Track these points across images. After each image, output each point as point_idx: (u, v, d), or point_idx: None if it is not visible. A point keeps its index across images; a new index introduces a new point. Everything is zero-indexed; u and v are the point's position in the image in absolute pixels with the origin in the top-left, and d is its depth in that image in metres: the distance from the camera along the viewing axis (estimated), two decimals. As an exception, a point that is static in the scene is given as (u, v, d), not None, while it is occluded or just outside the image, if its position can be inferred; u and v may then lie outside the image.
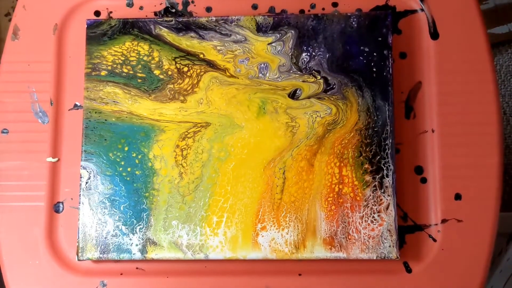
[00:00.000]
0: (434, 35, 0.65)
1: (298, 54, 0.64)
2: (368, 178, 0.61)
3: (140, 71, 0.64)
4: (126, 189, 0.62)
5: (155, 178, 0.62)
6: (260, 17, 0.65)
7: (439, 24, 0.65)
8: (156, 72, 0.64)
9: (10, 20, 1.22)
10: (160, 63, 0.64)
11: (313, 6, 0.67)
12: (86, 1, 0.68)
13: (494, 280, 1.06)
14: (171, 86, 0.64)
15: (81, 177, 0.63)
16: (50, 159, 0.65)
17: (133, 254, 0.61)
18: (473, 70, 0.64)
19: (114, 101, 0.64)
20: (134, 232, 0.61)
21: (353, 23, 0.64)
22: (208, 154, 0.62)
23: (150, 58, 0.64)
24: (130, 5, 0.68)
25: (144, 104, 0.64)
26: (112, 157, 0.63)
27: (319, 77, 0.63)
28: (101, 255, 0.61)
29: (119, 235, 0.61)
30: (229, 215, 0.61)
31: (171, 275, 0.62)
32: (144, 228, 0.61)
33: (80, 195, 0.62)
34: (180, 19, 0.65)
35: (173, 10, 0.68)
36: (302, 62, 0.63)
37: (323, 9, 0.67)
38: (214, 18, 0.65)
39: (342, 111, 0.62)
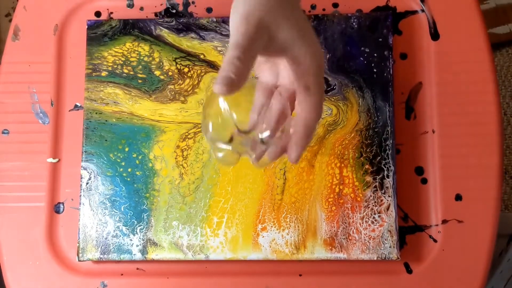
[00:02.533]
0: (435, 35, 0.65)
1: (299, 54, 0.63)
2: (368, 178, 0.61)
3: (141, 72, 0.64)
4: (126, 190, 0.62)
5: (155, 179, 0.62)
6: (261, 17, 0.64)
7: (439, 24, 0.65)
8: (157, 72, 0.64)
9: (10, 20, 1.22)
10: (161, 63, 0.64)
11: (313, 7, 0.67)
12: (87, 1, 0.68)
13: (494, 281, 1.06)
14: (172, 86, 0.64)
15: (81, 178, 0.63)
16: (51, 160, 0.65)
17: (134, 254, 0.61)
18: (473, 71, 0.64)
19: (114, 102, 0.64)
20: (135, 232, 0.61)
21: (354, 23, 0.64)
22: (209, 155, 0.62)
23: (150, 58, 0.64)
24: (130, 6, 0.68)
25: (145, 104, 0.64)
26: (113, 158, 0.63)
27: (319, 77, 0.63)
28: (101, 256, 0.61)
29: (120, 236, 0.61)
30: (229, 216, 0.61)
31: (172, 275, 0.62)
32: (144, 229, 0.61)
33: (80, 195, 0.62)
34: (181, 20, 0.65)
35: (174, 11, 0.68)
36: (303, 63, 0.63)
37: (324, 9, 0.67)
38: (214, 19, 0.65)
39: (342, 112, 0.62)
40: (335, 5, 0.67)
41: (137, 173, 0.62)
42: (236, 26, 0.38)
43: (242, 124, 0.42)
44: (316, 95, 0.41)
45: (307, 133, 0.41)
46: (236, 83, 0.36)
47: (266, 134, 0.42)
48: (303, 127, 0.41)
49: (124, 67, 0.65)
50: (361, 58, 0.63)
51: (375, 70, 0.63)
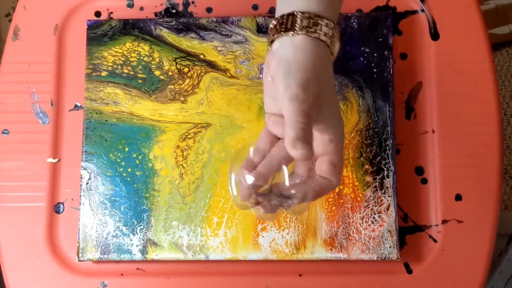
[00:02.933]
0: (435, 35, 0.65)
1: (299, 54, 0.63)
2: (368, 178, 0.61)
3: (141, 72, 0.64)
4: (126, 190, 0.62)
5: (155, 179, 0.62)
6: (261, 17, 0.64)
7: (439, 24, 0.65)
8: (157, 72, 0.64)
9: (10, 20, 1.22)
10: (161, 63, 0.64)
11: (313, 7, 0.67)
12: (87, 1, 0.68)
13: (494, 281, 1.06)
14: (172, 86, 0.64)
15: (81, 178, 0.63)
16: (51, 160, 0.65)
17: (134, 254, 0.61)
18: (473, 71, 0.64)
19: (114, 102, 0.64)
20: (135, 232, 0.61)
21: (354, 23, 0.64)
22: (209, 155, 0.62)
23: (150, 58, 0.64)
24: (130, 5, 0.68)
25: (145, 104, 0.64)
26: (113, 158, 0.63)
27: (319, 77, 0.63)
28: (101, 256, 0.61)
29: (120, 236, 0.61)
30: (229, 216, 0.61)
31: (172, 275, 0.62)
32: (144, 229, 0.61)
33: (80, 195, 0.62)
34: (181, 20, 0.65)
35: (174, 11, 0.68)
36: (303, 63, 0.63)
37: (324, 9, 0.66)
38: (214, 19, 0.65)
39: (342, 112, 0.62)
40: (335, 5, 0.66)
41: (137, 173, 0.62)
42: (293, 92, 0.39)
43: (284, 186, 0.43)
44: (340, 169, 0.42)
45: (322, 193, 0.42)
46: (310, 146, 0.39)
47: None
48: (321, 189, 0.42)
49: (124, 67, 0.65)
50: (361, 58, 0.63)
51: (375, 70, 0.63)
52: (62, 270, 0.63)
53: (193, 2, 0.68)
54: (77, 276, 0.63)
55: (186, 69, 0.64)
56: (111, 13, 0.68)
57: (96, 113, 0.64)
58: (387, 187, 0.61)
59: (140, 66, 0.64)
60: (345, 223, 0.60)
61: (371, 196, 0.61)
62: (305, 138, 0.38)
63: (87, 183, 0.62)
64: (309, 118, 0.39)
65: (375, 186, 0.61)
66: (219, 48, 0.64)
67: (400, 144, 0.63)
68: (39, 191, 0.64)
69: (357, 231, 0.60)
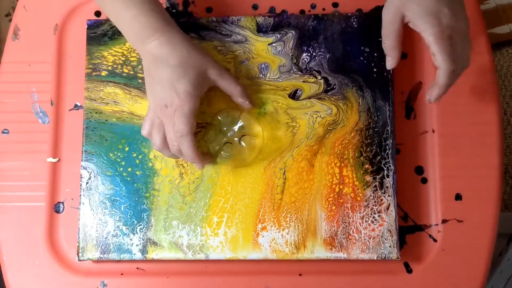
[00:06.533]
0: (435, 35, 0.65)
1: (299, 54, 0.64)
2: (368, 178, 0.61)
3: (141, 72, 0.64)
4: (126, 189, 0.62)
5: (155, 178, 0.62)
6: (261, 17, 0.65)
7: (439, 24, 0.65)
8: (157, 72, 0.64)
9: (10, 20, 1.22)
10: (161, 63, 0.64)
11: (313, 6, 0.67)
12: (87, 1, 0.68)
13: (494, 281, 1.06)
14: (172, 86, 0.64)
15: (81, 177, 0.63)
16: (51, 159, 0.65)
17: (134, 254, 0.61)
18: (473, 70, 0.64)
19: (114, 101, 0.64)
20: (135, 232, 0.61)
21: (354, 23, 0.64)
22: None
23: (150, 58, 0.64)
24: (130, 5, 0.68)
25: (145, 104, 0.64)
26: (113, 157, 0.63)
27: (319, 77, 0.63)
28: (101, 255, 0.61)
29: (120, 235, 0.61)
30: (229, 215, 0.61)
31: (172, 275, 0.62)
32: (144, 228, 0.61)
33: (80, 195, 0.62)
34: (181, 20, 0.65)
35: (174, 11, 0.67)
36: (303, 63, 0.63)
37: (324, 9, 0.67)
38: (214, 19, 0.65)
39: (342, 112, 0.62)
40: (335, 5, 0.67)
41: (137, 172, 0.62)
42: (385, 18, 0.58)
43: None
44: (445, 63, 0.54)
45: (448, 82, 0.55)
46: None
47: None
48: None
49: (124, 67, 0.65)
50: (361, 58, 0.63)
51: (375, 69, 0.63)
52: (62, 270, 0.63)
53: (193, 2, 0.68)
54: (77, 275, 0.63)
55: (186, 69, 0.64)
56: (111, 12, 0.68)
57: (96, 113, 0.64)
58: (387, 187, 0.61)
59: (140, 66, 0.64)
60: (345, 222, 0.60)
61: (371, 195, 0.61)
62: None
63: (87, 183, 0.62)
64: (394, 37, 0.57)
65: (375, 186, 0.61)
66: (219, 48, 0.64)
67: (400, 143, 0.63)
68: (39, 190, 0.64)
69: (357, 230, 0.60)
